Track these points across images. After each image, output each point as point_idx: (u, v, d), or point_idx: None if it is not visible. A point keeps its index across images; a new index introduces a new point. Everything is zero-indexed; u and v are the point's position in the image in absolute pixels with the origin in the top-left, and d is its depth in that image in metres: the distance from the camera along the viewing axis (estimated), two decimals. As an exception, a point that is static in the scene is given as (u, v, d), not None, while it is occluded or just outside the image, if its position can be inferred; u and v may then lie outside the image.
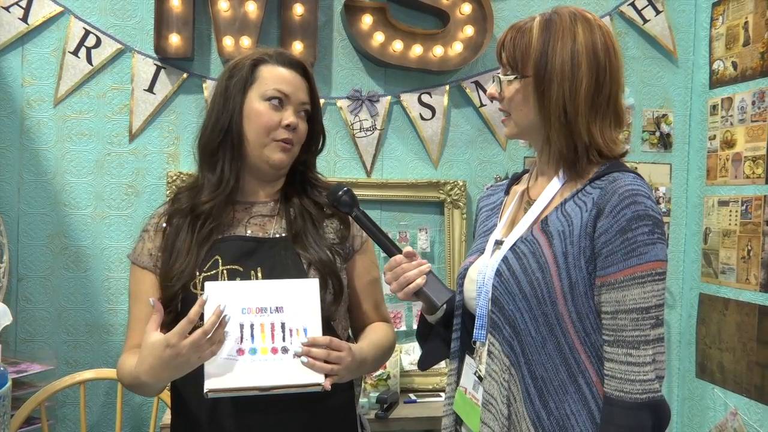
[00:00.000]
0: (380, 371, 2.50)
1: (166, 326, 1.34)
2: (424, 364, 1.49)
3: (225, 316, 1.29)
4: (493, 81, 1.33)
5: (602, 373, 1.20)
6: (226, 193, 1.46)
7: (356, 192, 2.63)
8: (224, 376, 1.28)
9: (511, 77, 1.27)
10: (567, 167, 1.27)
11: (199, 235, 1.44)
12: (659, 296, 1.17)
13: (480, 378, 1.29)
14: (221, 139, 1.46)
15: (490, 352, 1.26)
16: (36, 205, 2.54)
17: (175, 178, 2.57)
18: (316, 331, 1.33)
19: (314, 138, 1.54)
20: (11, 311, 2.50)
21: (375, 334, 1.52)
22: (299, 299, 1.35)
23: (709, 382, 2.75)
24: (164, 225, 1.48)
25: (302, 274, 1.43)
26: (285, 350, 1.31)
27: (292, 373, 1.30)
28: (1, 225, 2.40)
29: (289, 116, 1.45)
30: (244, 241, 1.46)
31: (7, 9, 2.49)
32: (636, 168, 2.84)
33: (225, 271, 1.43)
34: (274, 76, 1.46)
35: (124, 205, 2.60)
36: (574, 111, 1.22)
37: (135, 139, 2.59)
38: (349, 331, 1.59)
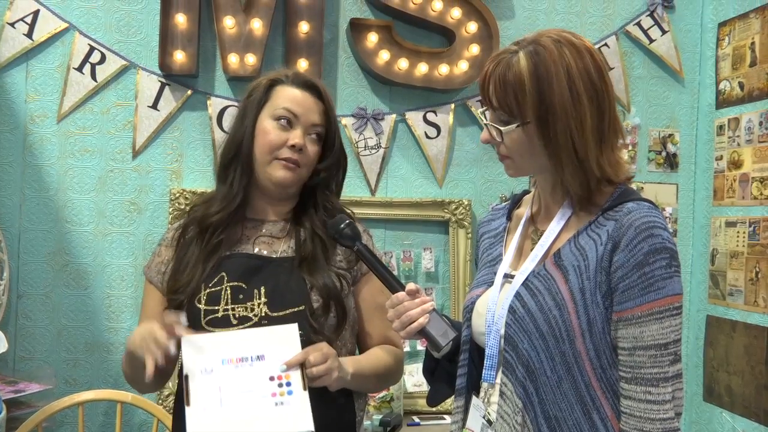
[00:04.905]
0: (383, 393, 2.47)
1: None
2: (434, 400, 1.44)
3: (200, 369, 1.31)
4: (485, 126, 1.24)
5: (617, 409, 1.16)
6: (234, 207, 1.48)
7: (360, 211, 2.66)
8: (206, 426, 1.28)
9: (513, 126, 1.19)
10: (578, 202, 1.22)
11: (207, 248, 1.47)
12: (677, 331, 1.13)
13: (489, 422, 1.25)
14: (234, 155, 1.50)
15: (502, 393, 1.22)
16: (37, 221, 2.52)
17: (178, 195, 2.55)
18: (297, 379, 1.32)
19: (327, 161, 1.52)
20: (11, 329, 2.49)
21: (371, 353, 1.52)
22: (280, 346, 1.34)
23: (717, 405, 2.71)
24: (178, 237, 1.52)
25: (304, 297, 1.42)
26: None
27: (277, 421, 1.29)
28: (1, 241, 2.38)
29: (295, 137, 1.45)
30: (251, 259, 1.47)
31: (12, 25, 2.49)
32: (642, 189, 2.82)
33: (229, 288, 1.44)
34: (286, 96, 1.48)
35: (126, 223, 2.57)
36: (584, 148, 1.17)
37: (138, 156, 2.58)
38: (356, 354, 1.58)
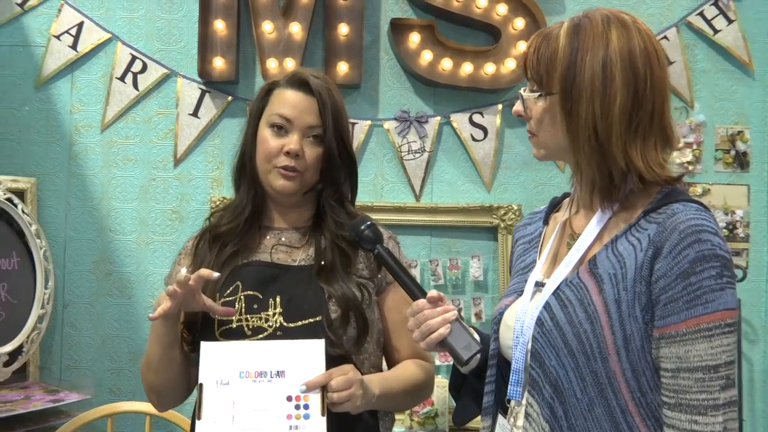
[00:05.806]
0: (427, 408, 2.35)
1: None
2: (459, 420, 1.34)
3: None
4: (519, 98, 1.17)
5: None
6: (245, 217, 1.44)
7: (404, 217, 2.56)
8: None
9: (536, 95, 1.11)
10: (602, 197, 1.10)
11: (220, 257, 1.42)
12: (729, 352, 0.99)
13: None
14: (241, 164, 1.46)
15: (527, 414, 1.10)
16: (82, 230, 2.54)
17: (218, 203, 2.52)
18: (316, 402, 1.24)
19: (331, 163, 1.41)
20: (57, 337, 2.51)
21: (400, 369, 1.43)
22: (303, 363, 1.26)
23: (798, 427, 2.47)
24: (195, 246, 1.48)
25: (321, 307, 1.35)
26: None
27: None
28: (48, 251, 2.40)
29: (291, 142, 1.38)
30: (267, 267, 1.41)
31: (57, 37, 2.53)
32: (709, 191, 2.61)
33: (243, 297, 1.39)
34: (280, 101, 1.41)
35: (168, 231, 2.56)
36: (607, 132, 1.05)
37: (179, 164, 2.57)
38: (383, 367, 1.49)
